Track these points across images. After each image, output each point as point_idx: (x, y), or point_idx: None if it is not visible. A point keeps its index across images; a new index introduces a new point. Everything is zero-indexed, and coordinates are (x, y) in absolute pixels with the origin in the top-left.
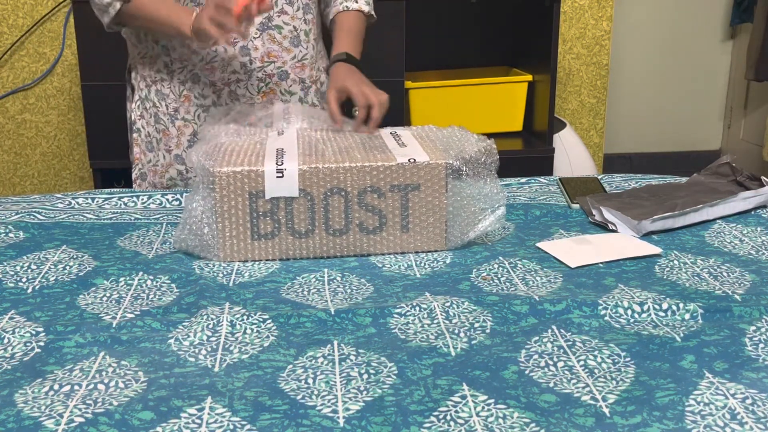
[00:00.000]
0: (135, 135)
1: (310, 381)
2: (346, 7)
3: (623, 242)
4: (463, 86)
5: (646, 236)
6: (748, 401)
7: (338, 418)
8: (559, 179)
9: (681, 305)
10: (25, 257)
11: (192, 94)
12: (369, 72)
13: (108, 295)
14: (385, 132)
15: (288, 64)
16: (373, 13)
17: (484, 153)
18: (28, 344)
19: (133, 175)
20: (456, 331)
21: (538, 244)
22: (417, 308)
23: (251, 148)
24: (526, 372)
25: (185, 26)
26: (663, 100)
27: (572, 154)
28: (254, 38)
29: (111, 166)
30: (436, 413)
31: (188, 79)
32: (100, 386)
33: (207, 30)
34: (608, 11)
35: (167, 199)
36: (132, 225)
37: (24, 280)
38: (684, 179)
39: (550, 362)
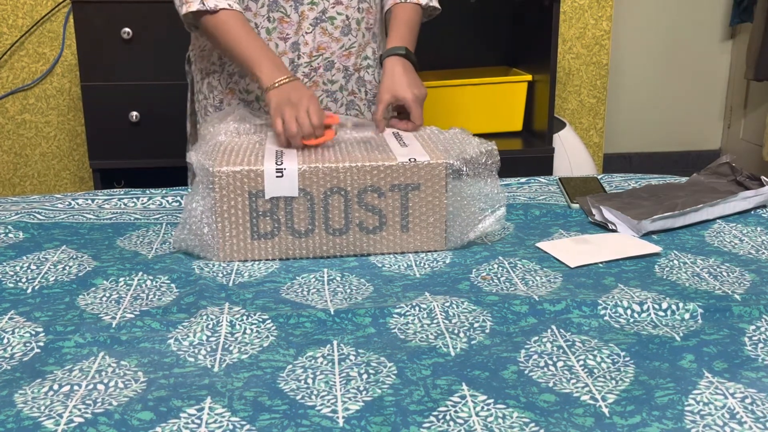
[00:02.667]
0: (198, 126)
1: (310, 381)
2: None
3: (623, 242)
4: (462, 86)
5: (646, 236)
6: (748, 401)
7: (338, 418)
8: (559, 179)
9: (681, 305)
10: (24, 257)
11: (237, 88)
12: None
13: (107, 295)
14: (387, 132)
15: (335, 54)
16: (434, 4)
17: (485, 154)
18: (27, 344)
19: None
20: (455, 331)
21: (538, 244)
22: (416, 308)
23: (251, 148)
24: (526, 372)
25: (262, 72)
26: (662, 100)
27: (572, 153)
28: (306, 33)
29: (111, 167)
30: (435, 413)
31: (236, 72)
32: (100, 386)
33: (278, 122)
34: (608, 11)
35: (167, 200)
36: (132, 225)
37: (24, 280)
38: (684, 179)
39: (550, 362)
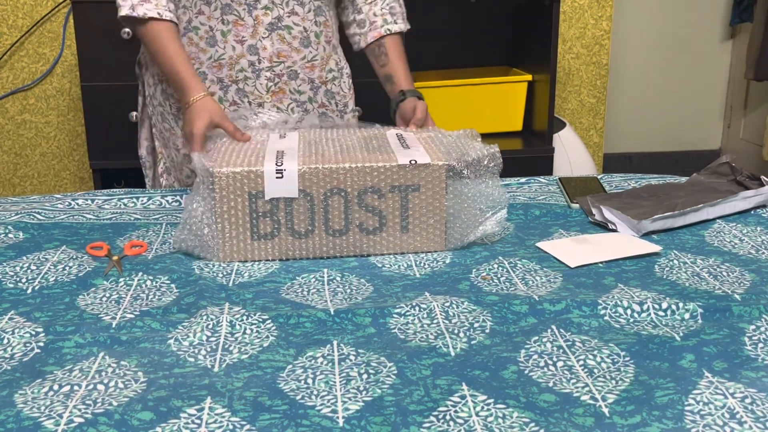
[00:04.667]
0: (154, 130)
1: (310, 381)
2: (389, 30)
3: (623, 242)
4: (462, 86)
5: (646, 236)
6: (748, 400)
7: (338, 418)
8: (559, 179)
9: (680, 305)
10: (24, 258)
11: None
12: (368, 72)
13: (107, 295)
14: (390, 133)
15: (298, 64)
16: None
17: (487, 156)
18: (27, 345)
19: (159, 169)
20: (455, 331)
21: (538, 244)
22: (416, 308)
23: (251, 149)
24: (526, 372)
25: (190, 95)
26: (663, 100)
27: (572, 153)
28: (263, 38)
29: (111, 167)
30: (435, 413)
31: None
32: (100, 386)
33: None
34: (608, 11)
35: (167, 200)
36: (132, 225)
37: (24, 280)
38: (684, 179)
39: (550, 362)
